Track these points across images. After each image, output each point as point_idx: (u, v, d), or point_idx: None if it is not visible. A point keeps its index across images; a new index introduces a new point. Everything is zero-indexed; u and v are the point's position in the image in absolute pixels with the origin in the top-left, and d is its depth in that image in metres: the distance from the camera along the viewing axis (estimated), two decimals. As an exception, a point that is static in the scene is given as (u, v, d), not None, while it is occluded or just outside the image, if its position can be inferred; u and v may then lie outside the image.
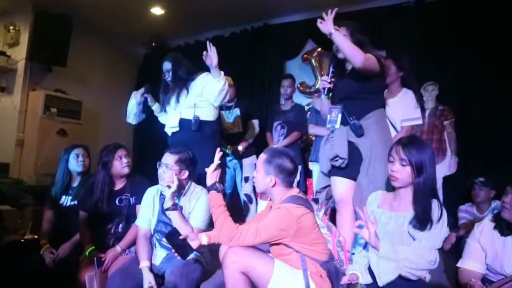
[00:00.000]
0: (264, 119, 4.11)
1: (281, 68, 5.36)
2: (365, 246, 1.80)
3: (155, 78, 3.29)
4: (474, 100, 3.99)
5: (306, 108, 4.77)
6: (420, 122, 2.87)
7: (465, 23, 4.12)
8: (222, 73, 2.86)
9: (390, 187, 1.80)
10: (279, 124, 3.87)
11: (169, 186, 2.11)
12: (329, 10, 2.24)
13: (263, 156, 1.86)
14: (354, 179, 2.29)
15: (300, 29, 5.17)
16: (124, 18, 5.43)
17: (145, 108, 3.22)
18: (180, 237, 1.82)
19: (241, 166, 3.82)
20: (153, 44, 6.20)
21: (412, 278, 1.61)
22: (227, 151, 3.68)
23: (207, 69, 2.88)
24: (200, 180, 2.24)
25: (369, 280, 1.70)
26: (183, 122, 2.93)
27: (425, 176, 1.68)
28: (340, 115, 2.35)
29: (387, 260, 1.60)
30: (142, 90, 3.13)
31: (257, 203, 3.80)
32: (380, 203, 1.85)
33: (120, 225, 2.46)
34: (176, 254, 1.84)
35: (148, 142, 5.54)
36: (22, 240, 2.87)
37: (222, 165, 3.75)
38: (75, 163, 2.73)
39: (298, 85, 5.16)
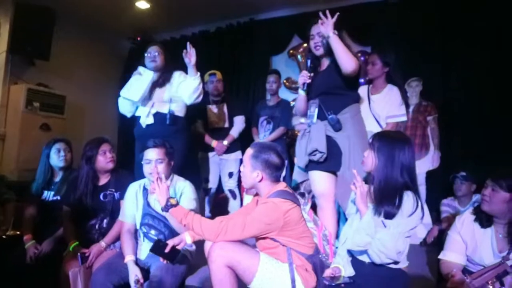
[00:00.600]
0: (249, 114, 4.11)
1: (267, 63, 5.35)
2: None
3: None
4: (457, 96, 4.07)
5: (292, 103, 4.78)
6: (404, 119, 2.92)
7: (451, 19, 4.18)
8: (198, 73, 2.90)
9: (369, 178, 1.82)
10: (265, 119, 3.89)
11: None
12: (329, 14, 2.27)
13: (250, 150, 1.87)
14: (334, 172, 2.32)
15: (286, 24, 5.18)
16: (109, 11, 5.35)
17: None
18: (166, 249, 1.88)
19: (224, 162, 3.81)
20: (138, 38, 6.14)
21: (376, 260, 1.66)
22: (212, 145, 3.69)
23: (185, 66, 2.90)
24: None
25: (351, 272, 1.73)
26: (158, 116, 2.92)
27: (383, 168, 1.71)
28: (316, 110, 2.38)
29: (364, 234, 1.65)
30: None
31: (241, 199, 3.81)
32: None
33: (105, 220, 2.44)
34: (165, 262, 1.91)
35: (133, 137, 5.47)
36: (4, 236, 2.82)
37: (205, 161, 3.77)
38: (56, 158, 2.68)
39: (284, 81, 5.16)
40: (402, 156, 1.70)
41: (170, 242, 1.91)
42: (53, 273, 2.27)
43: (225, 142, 3.69)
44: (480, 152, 3.72)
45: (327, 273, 1.74)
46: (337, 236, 2.21)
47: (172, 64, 3.04)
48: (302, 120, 3.16)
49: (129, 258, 2.10)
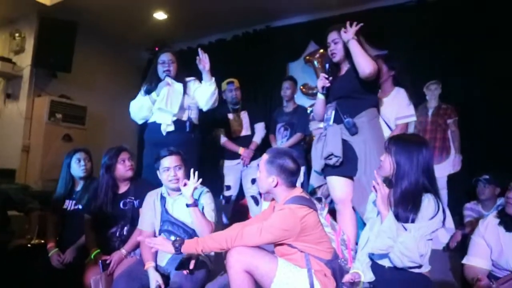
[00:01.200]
0: (268, 121, 4.13)
1: (284, 70, 5.38)
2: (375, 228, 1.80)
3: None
4: (477, 98, 3.98)
5: (309, 109, 4.77)
6: (414, 119, 2.89)
7: (468, 22, 4.11)
8: (213, 78, 2.94)
9: (387, 182, 1.80)
10: (282, 126, 3.89)
11: (185, 184, 2.15)
12: (354, 24, 2.31)
13: (265, 156, 1.88)
14: (350, 177, 2.30)
15: (302, 31, 5.20)
16: (128, 23, 5.49)
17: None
18: (190, 265, 1.96)
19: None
20: (157, 49, 6.24)
21: (399, 264, 1.62)
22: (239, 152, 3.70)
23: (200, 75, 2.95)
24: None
25: (371, 277, 1.70)
26: (178, 123, 2.95)
27: (402, 172, 1.69)
28: (333, 113, 2.37)
29: (386, 237, 1.61)
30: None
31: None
32: None
33: (125, 228, 2.47)
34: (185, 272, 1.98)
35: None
36: (29, 245, 2.88)
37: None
38: (77, 167, 2.72)
39: (301, 87, 5.17)
40: (421, 159, 1.67)
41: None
42: (76, 281, 2.31)
43: (251, 149, 3.70)
44: (502, 154, 3.62)
45: (347, 278, 1.72)
46: (356, 241, 2.18)
47: (184, 72, 3.08)
48: (320, 125, 3.16)
49: (149, 265, 2.12)
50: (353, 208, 2.30)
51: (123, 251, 2.36)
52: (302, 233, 1.70)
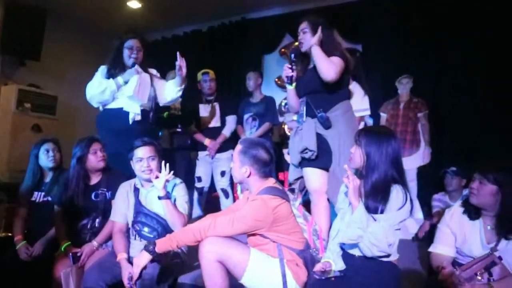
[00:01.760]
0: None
1: (259, 62, 5.38)
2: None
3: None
4: (447, 93, 4.11)
5: (284, 102, 4.82)
6: (368, 112, 3.05)
7: (440, 17, 4.22)
8: (183, 86, 2.95)
9: (358, 174, 1.83)
10: (250, 116, 3.89)
11: (156, 177, 2.14)
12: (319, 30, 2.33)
13: (238, 146, 1.89)
14: (326, 169, 2.33)
15: (277, 23, 5.20)
16: (101, 11, 5.35)
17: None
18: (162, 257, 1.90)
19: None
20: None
21: (368, 254, 1.67)
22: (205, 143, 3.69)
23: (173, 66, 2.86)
24: None
25: (342, 266, 1.74)
26: (143, 113, 2.87)
27: (372, 164, 1.73)
28: (305, 108, 2.39)
29: (356, 227, 1.65)
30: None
31: (234, 198, 3.82)
32: None
33: (97, 220, 2.43)
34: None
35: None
36: (-4, 238, 2.82)
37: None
38: (45, 158, 2.65)
39: (276, 79, 5.20)
40: (390, 150, 1.71)
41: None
42: (46, 274, 2.26)
43: (206, 142, 3.70)
44: (470, 147, 3.76)
45: (318, 267, 1.75)
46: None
47: (148, 60, 3.01)
48: (294, 117, 3.17)
49: (121, 256, 2.10)
50: (328, 199, 2.34)
51: (95, 243, 2.33)
52: (274, 224, 1.72)
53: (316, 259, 1.84)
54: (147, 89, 2.88)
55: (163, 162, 2.16)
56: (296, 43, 4.97)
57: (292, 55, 2.50)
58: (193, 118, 3.82)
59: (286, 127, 4.56)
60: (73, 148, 2.49)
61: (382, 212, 1.68)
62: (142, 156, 2.20)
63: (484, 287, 1.62)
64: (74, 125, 5.74)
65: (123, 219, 2.28)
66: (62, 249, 2.30)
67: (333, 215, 2.40)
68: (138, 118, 2.84)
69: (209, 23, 5.72)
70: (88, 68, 5.95)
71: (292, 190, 2.39)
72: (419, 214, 3.58)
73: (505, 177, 1.74)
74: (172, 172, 2.15)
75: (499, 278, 1.65)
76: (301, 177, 2.51)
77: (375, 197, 1.70)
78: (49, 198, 2.63)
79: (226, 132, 3.75)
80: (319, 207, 2.33)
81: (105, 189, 2.47)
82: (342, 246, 1.82)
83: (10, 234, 2.73)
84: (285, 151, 3.98)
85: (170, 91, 2.96)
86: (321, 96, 2.37)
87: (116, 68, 2.89)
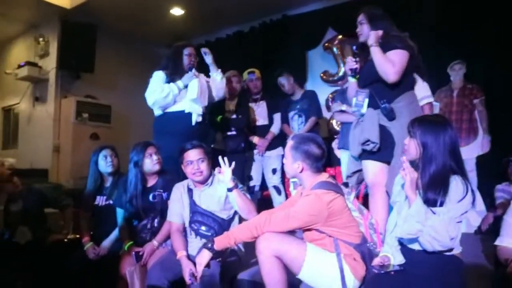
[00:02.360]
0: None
1: (303, 59, 5.35)
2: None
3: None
4: (504, 76, 3.85)
5: (331, 96, 4.75)
6: (432, 99, 2.96)
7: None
8: (219, 69, 3.17)
9: (414, 166, 1.77)
10: (295, 113, 3.87)
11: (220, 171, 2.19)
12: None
13: (290, 142, 1.89)
14: (387, 162, 2.25)
15: (319, 18, 5.14)
16: (145, 21, 5.58)
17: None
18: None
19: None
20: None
21: (429, 248, 1.59)
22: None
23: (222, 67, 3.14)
24: None
25: (401, 260, 1.69)
26: (203, 115, 3.06)
27: (429, 155, 1.65)
28: (367, 100, 2.31)
29: (414, 221, 1.59)
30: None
31: (286, 195, 3.82)
32: None
33: (156, 220, 2.53)
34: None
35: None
36: (66, 240, 3.02)
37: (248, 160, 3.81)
38: (104, 164, 2.78)
39: (321, 74, 5.14)
40: (447, 139, 1.64)
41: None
42: (112, 272, 2.41)
43: (255, 140, 3.73)
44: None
45: (376, 261, 1.71)
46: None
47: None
48: (343, 107, 3.09)
49: (181, 254, 2.16)
50: (387, 192, 2.27)
51: (155, 242, 2.42)
52: (329, 218, 1.71)
53: (374, 253, 1.81)
54: (206, 91, 3.08)
55: (219, 157, 2.20)
56: (340, 37, 4.94)
57: (354, 47, 2.46)
58: (247, 120, 3.86)
59: (334, 121, 4.49)
60: (129, 153, 2.62)
61: (441, 204, 1.61)
62: (192, 159, 2.27)
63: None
64: (127, 132, 6.02)
65: (179, 219, 2.35)
66: (126, 248, 2.43)
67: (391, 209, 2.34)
68: (200, 119, 3.01)
69: (250, 23, 5.76)
70: (136, 77, 6.29)
71: (346, 185, 2.35)
72: (481, 206, 3.39)
73: None
74: (233, 164, 2.18)
75: None
76: (360, 170, 2.46)
77: (434, 190, 1.63)
78: (111, 202, 2.77)
79: (274, 129, 3.78)
80: (377, 201, 2.26)
81: (162, 191, 2.57)
82: (401, 240, 1.77)
83: (78, 236, 2.92)
84: (334, 146, 3.91)
85: (214, 81, 3.17)
86: (383, 86, 2.28)
87: (176, 73, 3.07)
